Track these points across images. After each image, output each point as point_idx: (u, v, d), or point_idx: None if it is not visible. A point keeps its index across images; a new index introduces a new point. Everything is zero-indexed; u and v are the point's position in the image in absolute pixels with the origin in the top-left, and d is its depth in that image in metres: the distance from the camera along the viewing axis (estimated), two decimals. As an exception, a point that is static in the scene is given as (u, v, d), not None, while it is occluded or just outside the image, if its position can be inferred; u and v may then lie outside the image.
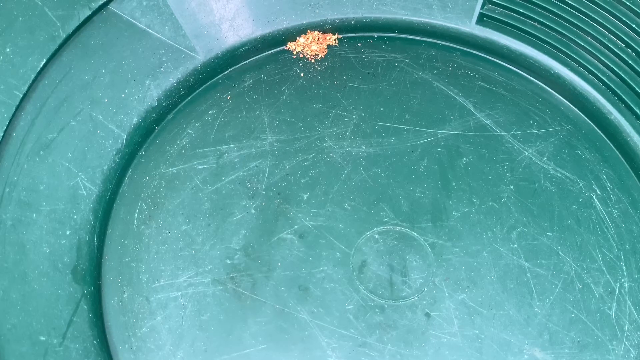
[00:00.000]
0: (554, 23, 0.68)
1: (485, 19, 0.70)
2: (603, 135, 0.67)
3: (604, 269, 0.60)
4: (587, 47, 0.68)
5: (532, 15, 0.69)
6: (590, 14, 0.67)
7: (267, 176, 0.63)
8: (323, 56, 0.70)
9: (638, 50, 0.66)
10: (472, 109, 0.67)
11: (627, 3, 0.66)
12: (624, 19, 0.67)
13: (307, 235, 0.60)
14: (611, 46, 0.67)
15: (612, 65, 0.67)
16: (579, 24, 0.68)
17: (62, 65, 0.62)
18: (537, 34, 0.69)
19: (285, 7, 0.70)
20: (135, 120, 0.64)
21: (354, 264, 0.59)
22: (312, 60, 0.70)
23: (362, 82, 0.68)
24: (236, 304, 0.58)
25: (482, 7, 0.70)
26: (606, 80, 0.67)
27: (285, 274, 0.59)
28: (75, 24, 0.62)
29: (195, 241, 0.60)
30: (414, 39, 0.71)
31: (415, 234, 0.61)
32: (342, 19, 0.70)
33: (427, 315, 0.58)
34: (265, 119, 0.66)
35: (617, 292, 0.59)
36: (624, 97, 0.66)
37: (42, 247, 0.57)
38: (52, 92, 0.61)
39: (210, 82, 0.68)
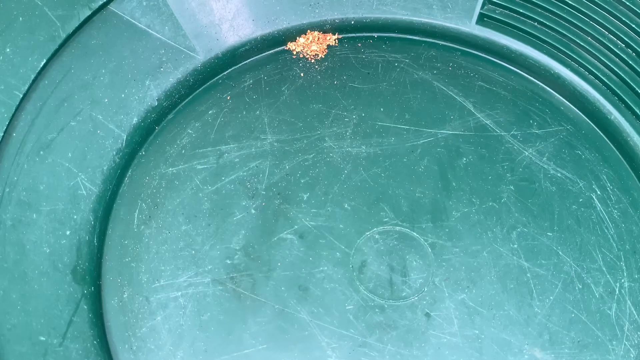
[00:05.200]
0: (554, 23, 0.68)
1: (485, 19, 0.70)
2: (603, 135, 0.67)
3: (604, 269, 0.60)
4: (587, 47, 0.68)
5: (532, 15, 0.69)
6: (590, 14, 0.67)
7: (267, 176, 0.63)
8: (323, 56, 0.70)
9: (638, 50, 0.66)
10: (472, 109, 0.67)
11: (627, 3, 0.66)
12: (624, 19, 0.67)
13: (307, 235, 0.60)
14: (611, 46, 0.67)
15: (612, 65, 0.67)
16: (579, 24, 0.68)
17: (62, 65, 0.62)
18: (537, 34, 0.69)
19: (285, 7, 0.70)
20: (135, 120, 0.64)
21: (354, 264, 0.59)
22: (312, 60, 0.70)
23: (362, 82, 0.68)
24: (236, 304, 0.58)
25: (482, 7, 0.70)
26: (606, 80, 0.67)
27: (285, 274, 0.59)
28: (75, 24, 0.62)
29: (195, 241, 0.60)
30: (414, 39, 0.71)
31: (415, 234, 0.61)
32: (342, 19, 0.70)
33: (427, 315, 0.58)
34: (265, 119, 0.66)
35: (617, 292, 0.59)
36: (624, 97, 0.66)
37: (42, 247, 0.57)
38: (52, 92, 0.61)
39: (210, 82, 0.68)
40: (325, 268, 0.59)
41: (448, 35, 0.70)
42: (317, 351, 0.56)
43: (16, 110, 0.58)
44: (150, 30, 0.66)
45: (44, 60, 0.60)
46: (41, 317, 0.55)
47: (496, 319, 0.58)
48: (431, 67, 0.69)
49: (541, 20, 0.69)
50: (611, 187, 0.63)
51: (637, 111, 0.66)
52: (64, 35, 0.61)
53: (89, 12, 0.63)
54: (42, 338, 0.54)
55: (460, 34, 0.70)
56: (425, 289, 0.59)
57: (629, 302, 0.59)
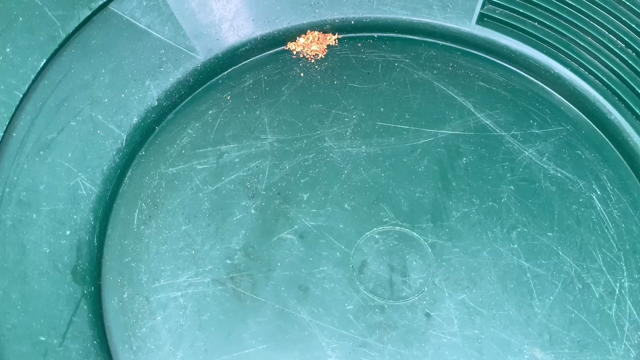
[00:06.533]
0: (554, 23, 0.68)
1: (485, 19, 0.70)
2: (603, 135, 0.67)
3: (604, 269, 0.60)
4: (587, 47, 0.68)
5: (532, 15, 0.69)
6: (590, 14, 0.67)
7: (267, 176, 0.63)
8: (323, 56, 0.70)
9: (638, 50, 0.66)
10: (472, 109, 0.67)
11: (627, 3, 0.66)
12: (624, 19, 0.67)
13: (307, 235, 0.60)
14: (611, 46, 0.67)
15: (612, 65, 0.67)
16: (579, 24, 0.68)
17: (62, 65, 0.62)
18: (537, 34, 0.69)
19: (285, 7, 0.70)
20: (135, 120, 0.64)
21: (354, 264, 0.59)
22: (312, 60, 0.70)
23: (362, 82, 0.68)
24: (236, 304, 0.58)
25: (482, 7, 0.70)
26: (606, 80, 0.67)
27: (285, 274, 0.59)
28: (75, 24, 0.62)
29: (195, 241, 0.60)
30: (414, 39, 0.71)
31: (415, 234, 0.61)
32: (342, 19, 0.70)
33: (427, 315, 0.58)
34: (265, 119, 0.66)
35: (617, 292, 0.59)
36: (624, 97, 0.66)
37: (42, 247, 0.57)
38: (52, 92, 0.61)
39: (210, 82, 0.68)
40: (325, 268, 0.59)
41: (448, 35, 0.70)
42: (317, 351, 0.56)
43: (16, 110, 0.58)
44: (150, 30, 0.66)
45: (44, 60, 0.60)
46: (41, 317, 0.55)
47: (496, 319, 0.58)
48: (431, 67, 0.69)
49: (541, 20, 0.69)
50: (611, 187, 0.63)
51: (637, 111, 0.66)
52: (64, 35, 0.61)
53: (89, 12, 0.63)
54: (42, 338, 0.54)
55: (460, 34, 0.70)
56: (425, 289, 0.59)
57: (629, 302, 0.59)
